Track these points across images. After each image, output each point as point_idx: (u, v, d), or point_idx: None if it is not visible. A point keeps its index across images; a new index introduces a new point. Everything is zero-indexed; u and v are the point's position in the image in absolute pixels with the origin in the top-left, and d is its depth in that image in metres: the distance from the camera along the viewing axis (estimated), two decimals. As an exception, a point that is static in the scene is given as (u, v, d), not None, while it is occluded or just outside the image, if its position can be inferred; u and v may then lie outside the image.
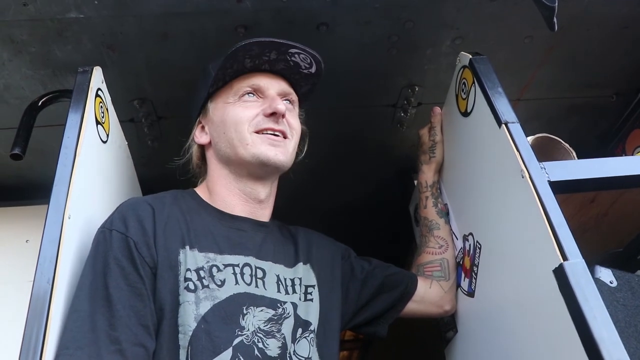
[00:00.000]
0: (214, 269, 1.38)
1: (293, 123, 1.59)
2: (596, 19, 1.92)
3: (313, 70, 1.62)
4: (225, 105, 1.57)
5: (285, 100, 1.62)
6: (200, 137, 1.64)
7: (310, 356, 1.43)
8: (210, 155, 1.62)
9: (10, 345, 1.75)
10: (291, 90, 1.65)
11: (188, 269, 1.34)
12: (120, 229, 1.33)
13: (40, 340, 1.17)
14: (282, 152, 1.52)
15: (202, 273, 1.35)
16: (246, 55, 1.53)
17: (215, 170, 1.59)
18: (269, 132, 1.52)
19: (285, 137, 1.55)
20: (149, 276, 1.30)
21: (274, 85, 1.59)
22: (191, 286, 1.32)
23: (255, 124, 1.52)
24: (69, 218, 1.34)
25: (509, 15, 1.83)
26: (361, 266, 1.74)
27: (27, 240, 2.08)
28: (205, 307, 1.31)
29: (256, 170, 1.53)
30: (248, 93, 1.57)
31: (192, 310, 1.29)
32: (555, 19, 1.52)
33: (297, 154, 1.67)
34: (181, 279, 1.33)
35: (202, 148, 1.65)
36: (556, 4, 1.51)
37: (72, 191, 1.37)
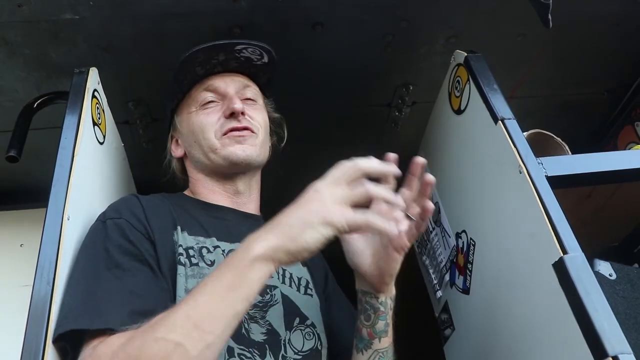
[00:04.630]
0: (204, 250, 1.38)
1: (256, 116, 1.60)
2: (587, 16, 1.93)
3: (266, 60, 1.63)
4: (189, 115, 1.61)
5: (245, 96, 1.63)
6: (176, 150, 1.68)
7: (304, 349, 1.40)
8: (188, 164, 1.66)
9: (4, 350, 1.74)
10: (249, 83, 1.66)
11: (180, 245, 1.35)
12: (113, 216, 1.34)
13: (42, 343, 1.15)
14: (250, 146, 1.54)
15: (191, 252, 1.35)
16: (195, 64, 1.55)
17: (194, 176, 1.63)
18: (234, 131, 1.54)
19: (252, 132, 1.56)
20: (148, 248, 1.29)
21: (229, 85, 1.61)
22: (182, 260, 1.32)
23: (219, 128, 1.55)
24: (68, 219, 1.32)
25: (502, 13, 1.85)
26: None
27: (21, 245, 2.07)
28: (191, 284, 1.30)
29: (230, 169, 1.56)
30: (207, 100, 1.59)
31: (182, 283, 1.29)
32: (550, 16, 1.54)
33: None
34: (176, 253, 1.33)
35: (181, 160, 1.68)
36: (550, 1, 1.53)
37: (70, 192, 1.36)
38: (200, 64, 1.56)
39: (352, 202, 1.11)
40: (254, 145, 1.55)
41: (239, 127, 1.54)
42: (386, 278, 1.35)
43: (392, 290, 1.40)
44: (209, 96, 1.60)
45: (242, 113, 1.55)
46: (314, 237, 1.07)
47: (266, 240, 1.08)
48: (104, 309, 1.15)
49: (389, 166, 1.22)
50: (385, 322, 1.40)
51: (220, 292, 1.06)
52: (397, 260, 1.32)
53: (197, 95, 1.60)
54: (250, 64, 1.64)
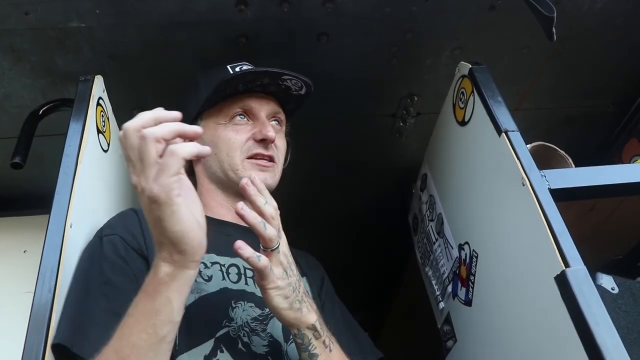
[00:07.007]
0: (201, 266, 1.37)
1: (280, 146, 1.62)
2: (592, 29, 1.93)
3: (303, 92, 1.64)
4: (217, 126, 1.59)
5: (274, 120, 1.65)
6: None
7: None
8: (199, 170, 1.64)
9: (5, 356, 1.74)
10: (279, 110, 1.67)
11: None
12: (108, 233, 1.34)
13: (42, 350, 1.15)
14: (270, 176, 1.55)
15: None
16: (240, 81, 1.56)
17: (204, 185, 1.62)
18: (259, 157, 1.55)
19: (273, 161, 1.57)
20: (139, 266, 1.29)
21: (264, 107, 1.61)
22: None
23: (246, 150, 1.55)
24: (71, 227, 1.33)
25: (507, 25, 1.85)
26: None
27: (24, 251, 2.07)
28: (190, 299, 1.29)
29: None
30: (239, 115, 1.59)
31: None
32: (554, 29, 1.54)
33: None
34: None
35: (190, 162, 1.66)
36: (555, 14, 1.53)
37: (73, 199, 1.37)
38: (244, 82, 1.57)
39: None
40: (274, 176, 1.57)
41: (264, 154, 1.55)
42: (273, 312, 1.26)
43: (305, 321, 1.27)
44: (241, 113, 1.59)
45: (273, 141, 1.56)
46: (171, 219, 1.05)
47: (160, 257, 1.06)
48: (87, 331, 1.17)
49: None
50: (307, 354, 1.28)
51: (141, 321, 1.04)
52: (267, 296, 1.22)
53: (230, 109, 1.59)
54: (287, 92, 1.64)
